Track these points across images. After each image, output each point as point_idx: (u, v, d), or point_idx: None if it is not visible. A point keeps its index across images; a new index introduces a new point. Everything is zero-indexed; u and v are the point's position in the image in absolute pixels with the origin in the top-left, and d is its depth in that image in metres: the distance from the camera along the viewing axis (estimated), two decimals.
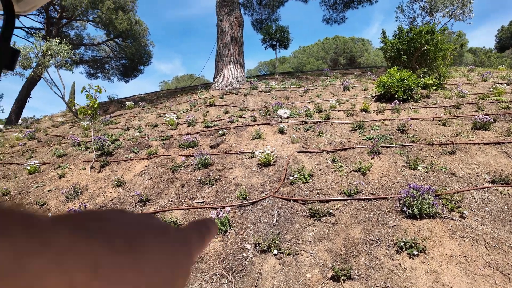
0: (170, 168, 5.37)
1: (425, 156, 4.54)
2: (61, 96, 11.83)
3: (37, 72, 11.64)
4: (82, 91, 6.17)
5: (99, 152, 6.66)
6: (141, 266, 0.19)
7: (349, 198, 3.69)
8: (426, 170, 4.14)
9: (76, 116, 12.26)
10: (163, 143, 6.80)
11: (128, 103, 12.86)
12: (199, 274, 2.89)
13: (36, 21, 19.13)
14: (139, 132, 8.14)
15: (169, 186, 4.78)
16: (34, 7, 0.86)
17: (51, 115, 15.85)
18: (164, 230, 0.22)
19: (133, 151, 6.55)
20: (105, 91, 6.50)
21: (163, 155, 6.02)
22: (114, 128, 9.19)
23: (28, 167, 6.34)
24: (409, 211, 3.25)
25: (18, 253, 0.14)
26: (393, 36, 9.71)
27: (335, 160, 4.75)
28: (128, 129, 8.79)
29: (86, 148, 7.35)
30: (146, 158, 6.03)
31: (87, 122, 9.72)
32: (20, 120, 18.10)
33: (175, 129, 7.94)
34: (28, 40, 19.75)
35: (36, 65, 11.70)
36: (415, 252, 2.72)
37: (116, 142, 7.36)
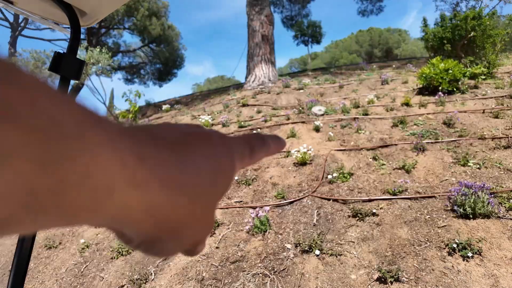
0: None
1: (476, 151, 4.22)
2: (103, 102, 12.60)
3: (81, 80, 12.50)
4: (123, 96, 6.53)
5: None
6: (184, 164, 0.19)
7: (394, 197, 3.53)
8: (478, 166, 3.85)
9: (117, 121, 12.98)
10: None
11: (165, 106, 13.39)
12: (241, 273, 2.93)
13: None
14: None
15: None
16: (96, 20, 0.91)
17: None
18: (209, 136, 0.23)
19: None
20: (144, 95, 6.81)
21: None
22: None
23: None
24: (461, 210, 3.04)
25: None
26: (434, 24, 9.14)
27: (376, 157, 4.57)
28: None
29: None
30: None
31: None
32: None
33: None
34: None
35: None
36: (469, 254, 2.55)
37: None
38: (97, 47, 13.16)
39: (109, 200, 0.15)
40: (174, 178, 0.19)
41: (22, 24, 22.47)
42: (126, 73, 24.83)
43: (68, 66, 0.81)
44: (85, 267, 3.55)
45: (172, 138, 0.20)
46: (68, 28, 0.87)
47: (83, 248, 3.92)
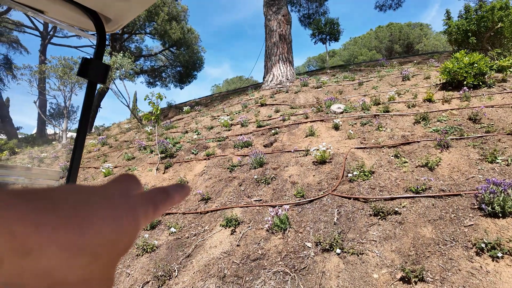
0: (227, 168, 5.56)
1: (505, 148, 4.04)
2: (126, 104, 13.00)
3: (106, 84, 12.96)
4: (145, 99, 6.72)
5: (163, 155, 7.17)
6: (84, 227, 0.20)
7: (417, 195, 3.45)
8: (507, 163, 3.68)
9: (141, 122, 13.36)
10: (219, 144, 7.07)
11: (185, 108, 13.66)
12: (262, 271, 2.95)
13: None
14: (197, 134, 8.58)
15: (228, 185, 4.96)
16: (120, 26, 0.96)
17: (119, 122, 17.50)
18: (111, 197, 0.23)
19: (192, 153, 6.93)
20: (165, 97, 6.99)
21: (220, 156, 6.27)
22: (174, 132, 9.82)
23: (103, 170, 7.08)
24: (489, 208, 2.93)
25: None
26: (458, 16, 8.80)
27: (398, 155, 4.47)
28: (187, 132, 9.32)
29: (151, 151, 7.97)
30: (205, 159, 6.33)
31: (151, 127, 10.54)
32: (93, 129, 20.28)
33: (229, 130, 8.20)
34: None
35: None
36: (499, 254, 2.45)
37: (177, 145, 7.86)
38: (120, 52, 13.62)
39: None
40: (73, 240, 0.19)
41: (51, 33, 23.61)
42: (148, 77, 25.50)
43: (95, 71, 0.86)
44: None
45: (74, 200, 0.20)
46: (94, 34, 0.92)
47: None
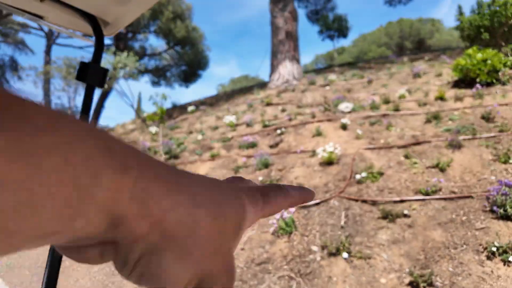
0: (233, 169, 5.53)
1: None
2: (130, 104, 13.10)
3: (109, 84, 13.05)
4: (149, 99, 6.73)
5: (167, 156, 7.18)
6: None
7: (427, 197, 3.36)
8: None
9: (145, 123, 13.44)
10: (224, 145, 7.04)
11: (190, 108, 13.65)
12: (267, 275, 2.91)
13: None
14: (202, 135, 8.57)
15: None
16: (118, 30, 0.96)
17: (123, 123, 17.63)
18: (219, 183, 0.23)
19: (197, 154, 6.91)
20: (170, 97, 7.00)
21: (225, 157, 6.24)
22: (178, 132, 9.85)
23: None
24: (501, 211, 2.86)
25: None
26: (471, 12, 8.58)
27: (408, 155, 4.36)
28: (191, 132, 9.32)
29: (155, 152, 7.98)
30: (210, 160, 6.31)
31: (155, 128, 10.58)
32: None
33: (234, 130, 8.17)
34: None
35: (109, 78, 13.16)
36: (510, 259, 2.40)
37: (181, 145, 7.87)
38: (124, 51, 13.70)
39: (96, 187, 0.14)
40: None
41: (55, 33, 23.96)
42: (152, 76, 25.59)
43: (93, 75, 0.86)
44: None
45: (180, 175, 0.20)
46: (93, 38, 0.93)
47: None
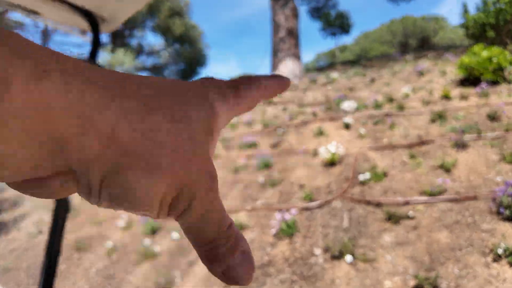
0: (232, 170, 5.48)
1: None
2: None
3: None
4: None
5: None
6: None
7: (432, 198, 3.30)
8: None
9: None
10: (224, 145, 6.98)
11: None
12: (268, 278, 2.87)
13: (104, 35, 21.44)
14: None
15: (233, 188, 4.89)
16: (114, 26, 0.96)
17: None
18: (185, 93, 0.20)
19: None
20: None
21: (224, 157, 6.19)
22: None
23: None
24: (507, 212, 2.81)
25: None
26: (476, 10, 8.49)
27: (413, 155, 4.29)
28: None
29: None
30: None
31: None
32: None
33: (234, 130, 8.11)
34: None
35: None
36: None
37: None
38: (122, 48, 13.64)
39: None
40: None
41: (51, 30, 23.94)
42: (150, 74, 25.50)
43: None
44: (113, 270, 3.66)
45: (143, 93, 0.17)
46: (89, 34, 0.94)
47: (110, 251, 4.03)
